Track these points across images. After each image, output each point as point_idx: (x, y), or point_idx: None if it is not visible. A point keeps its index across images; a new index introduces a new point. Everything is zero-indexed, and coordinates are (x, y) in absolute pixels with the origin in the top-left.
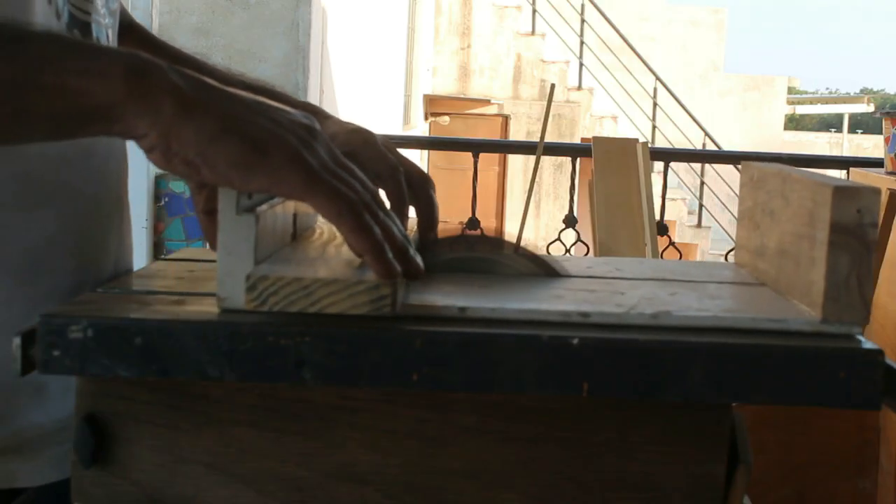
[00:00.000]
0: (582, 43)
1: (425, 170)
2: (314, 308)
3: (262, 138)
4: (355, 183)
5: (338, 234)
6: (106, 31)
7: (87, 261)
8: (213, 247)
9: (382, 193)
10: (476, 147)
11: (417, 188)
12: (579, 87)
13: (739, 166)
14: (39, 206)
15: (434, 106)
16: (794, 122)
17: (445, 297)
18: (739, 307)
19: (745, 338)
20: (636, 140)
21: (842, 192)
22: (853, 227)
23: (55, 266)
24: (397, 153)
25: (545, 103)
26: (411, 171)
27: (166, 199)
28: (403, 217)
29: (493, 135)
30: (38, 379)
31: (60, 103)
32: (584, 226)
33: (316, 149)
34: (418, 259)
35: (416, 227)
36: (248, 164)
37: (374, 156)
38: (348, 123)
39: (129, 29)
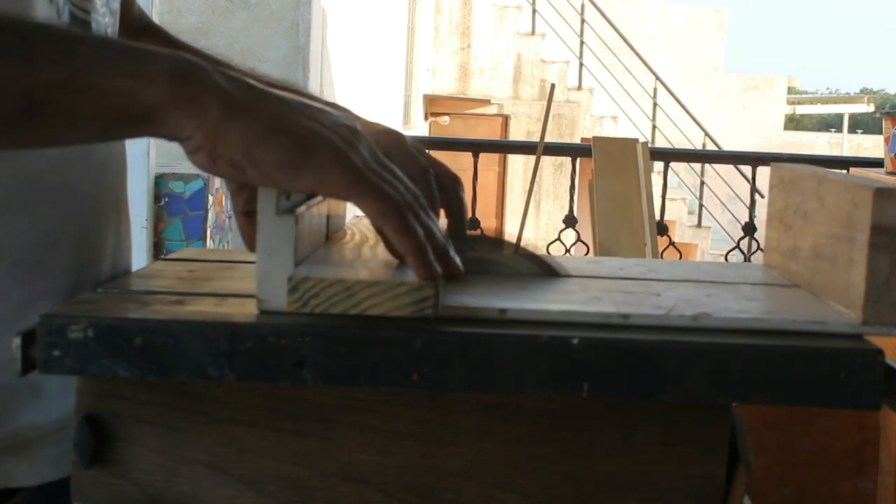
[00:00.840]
0: (582, 43)
1: None
2: (356, 310)
3: (307, 139)
4: (398, 183)
5: (370, 235)
6: (105, 31)
7: (84, 260)
8: (251, 248)
9: None
10: (476, 147)
11: (448, 189)
12: (579, 87)
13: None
14: (38, 205)
15: (434, 106)
16: (794, 122)
17: (483, 299)
18: (777, 309)
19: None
20: (636, 140)
21: (882, 194)
22: (894, 228)
23: (52, 265)
24: (427, 154)
25: (545, 103)
26: (441, 173)
27: (166, 199)
28: (434, 217)
29: (493, 135)
30: (34, 379)
31: (107, 105)
32: (584, 226)
33: (359, 149)
34: (457, 260)
35: (445, 227)
36: (295, 164)
37: (404, 157)
38: (378, 124)
39: (146, 30)
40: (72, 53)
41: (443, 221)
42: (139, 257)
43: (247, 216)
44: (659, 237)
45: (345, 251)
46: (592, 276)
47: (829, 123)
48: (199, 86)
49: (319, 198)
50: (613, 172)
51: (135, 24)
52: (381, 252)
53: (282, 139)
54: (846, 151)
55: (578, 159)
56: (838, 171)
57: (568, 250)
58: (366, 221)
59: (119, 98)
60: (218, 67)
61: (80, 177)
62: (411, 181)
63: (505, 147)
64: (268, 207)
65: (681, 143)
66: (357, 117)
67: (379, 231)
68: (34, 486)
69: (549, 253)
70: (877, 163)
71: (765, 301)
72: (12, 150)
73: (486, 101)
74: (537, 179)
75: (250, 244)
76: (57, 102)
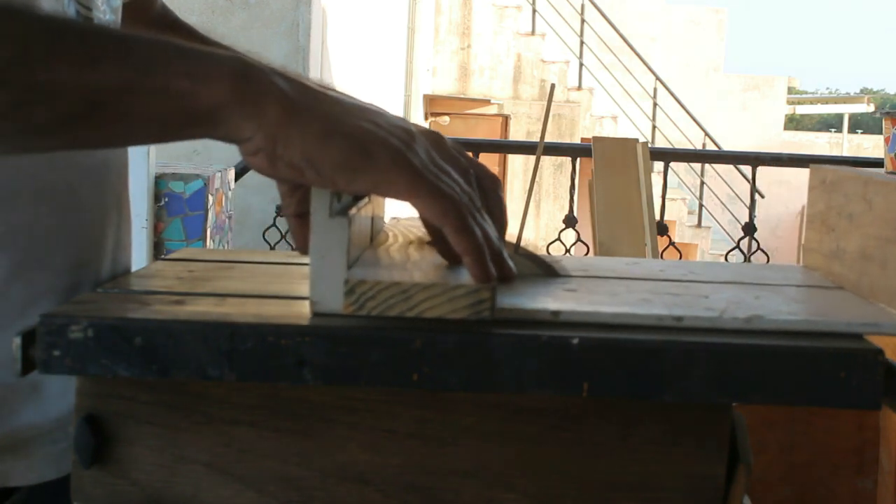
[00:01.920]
0: (582, 43)
1: None
2: (412, 312)
3: (366, 140)
4: (454, 185)
5: (411, 236)
6: (100, 25)
7: (85, 258)
8: (303, 250)
9: None
10: (476, 147)
11: (488, 190)
12: (579, 87)
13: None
14: (38, 203)
15: (434, 106)
16: (794, 122)
17: (535, 301)
18: (826, 310)
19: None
20: (636, 140)
21: None
22: None
23: (53, 263)
24: (467, 155)
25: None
26: (481, 173)
27: (166, 199)
28: None
29: (493, 135)
30: (34, 378)
31: (166, 106)
32: (584, 226)
33: (416, 150)
34: (511, 263)
35: None
36: (354, 166)
37: (445, 158)
38: (417, 125)
39: (173, 26)
40: (132, 54)
41: None
42: (139, 257)
43: (299, 218)
44: (659, 237)
45: (392, 253)
46: (634, 277)
47: (829, 123)
48: (259, 87)
49: (366, 199)
50: (613, 172)
51: (159, 20)
52: (430, 254)
53: (341, 141)
54: (846, 151)
55: (578, 159)
56: (879, 170)
57: (568, 250)
58: (404, 223)
59: (179, 99)
60: (273, 68)
61: (82, 175)
62: None
63: (505, 147)
64: (321, 209)
65: (681, 143)
66: (402, 117)
67: (432, 232)
68: (32, 485)
69: (549, 253)
70: (877, 163)
71: (813, 303)
72: (69, 150)
73: (486, 101)
74: (537, 179)
75: (302, 246)
76: (117, 103)
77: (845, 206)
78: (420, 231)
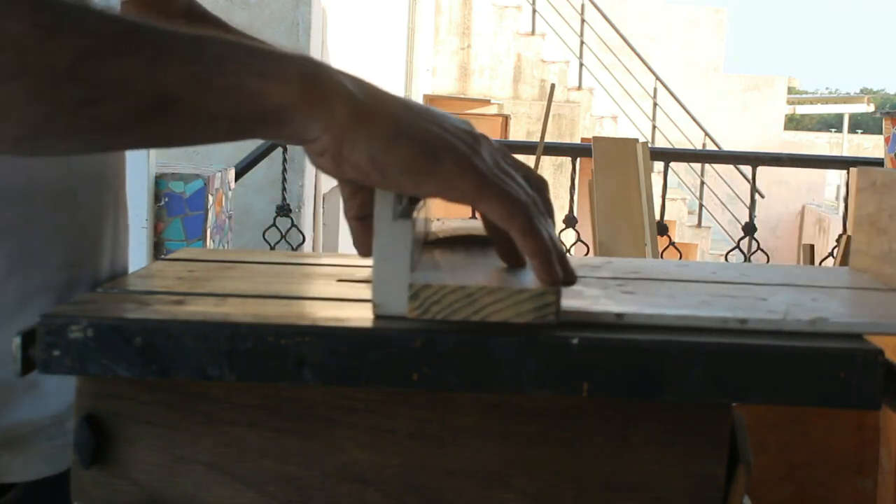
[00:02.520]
0: (582, 43)
1: None
2: (477, 316)
3: (433, 144)
4: (519, 188)
5: (462, 238)
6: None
7: (82, 256)
8: (364, 253)
9: None
10: None
11: (536, 192)
12: (579, 87)
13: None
14: (33, 200)
15: (434, 106)
16: (794, 122)
17: (598, 304)
18: (887, 312)
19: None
20: (636, 140)
21: None
22: None
23: (49, 260)
24: (511, 156)
25: (545, 103)
26: (529, 175)
27: (166, 199)
28: None
29: (493, 135)
30: (31, 374)
31: (235, 104)
32: (584, 226)
33: (482, 153)
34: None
35: None
36: (421, 169)
37: (508, 162)
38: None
39: (201, 20)
40: (203, 52)
41: None
42: (139, 257)
43: (360, 221)
44: (659, 237)
45: (451, 256)
46: (687, 279)
47: (829, 123)
48: (328, 88)
49: (422, 202)
50: (613, 172)
51: (187, 13)
52: (484, 256)
53: (408, 144)
54: (846, 151)
55: (578, 159)
56: None
57: (568, 250)
58: (451, 225)
59: (249, 97)
60: (346, 72)
61: (79, 173)
62: None
63: (505, 147)
64: (385, 212)
65: (681, 143)
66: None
67: (494, 234)
68: (29, 481)
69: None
70: (877, 163)
71: (873, 305)
72: (140, 147)
73: (486, 101)
74: None
75: (363, 249)
76: (187, 100)
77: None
78: (465, 232)
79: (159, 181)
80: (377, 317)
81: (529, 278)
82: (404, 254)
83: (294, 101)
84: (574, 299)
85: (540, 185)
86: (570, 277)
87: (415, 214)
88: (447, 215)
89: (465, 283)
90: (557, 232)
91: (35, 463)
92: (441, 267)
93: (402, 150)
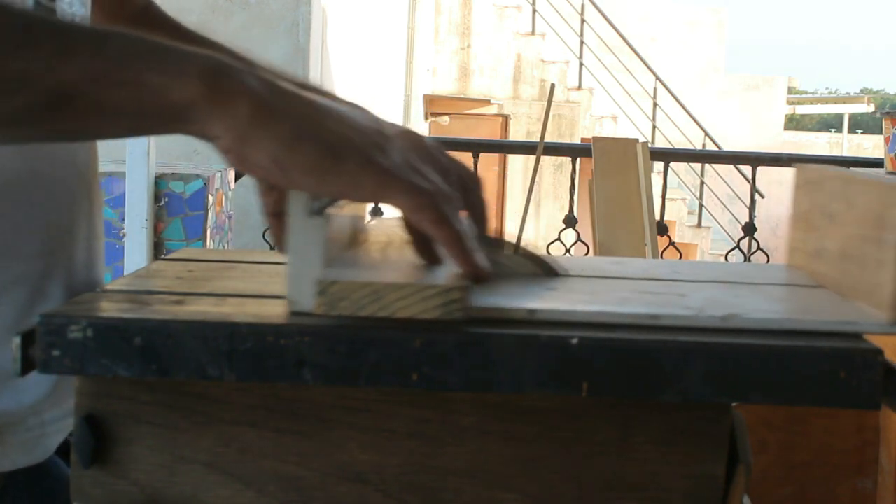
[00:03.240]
0: (582, 43)
1: None
2: (384, 312)
3: (336, 143)
4: (431, 183)
5: (393, 237)
6: (72, 20)
7: (56, 245)
8: (282, 249)
9: None
10: (476, 147)
11: (469, 190)
12: (579, 87)
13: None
14: (4, 191)
15: (434, 106)
16: (794, 122)
17: (512, 300)
18: (805, 309)
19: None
20: (636, 140)
21: None
22: None
23: (24, 250)
24: (447, 155)
25: (545, 103)
26: (463, 174)
27: (166, 199)
28: None
29: (493, 135)
30: (5, 365)
31: (137, 101)
32: (584, 226)
33: (389, 152)
34: (486, 263)
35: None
36: (323, 169)
37: (424, 159)
38: (395, 125)
39: (156, 22)
40: (105, 48)
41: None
42: (139, 257)
43: (276, 217)
44: (659, 237)
45: (371, 253)
46: (618, 277)
47: (829, 123)
48: (231, 87)
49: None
50: (613, 172)
51: (142, 15)
52: (408, 254)
53: (310, 144)
54: (846, 151)
55: (578, 159)
56: (866, 170)
57: (568, 250)
58: (388, 223)
59: (150, 94)
60: (250, 68)
61: (48, 162)
62: None
63: (505, 147)
64: (298, 209)
65: (681, 143)
66: (379, 119)
67: (410, 230)
68: (6, 472)
69: (549, 253)
70: (877, 163)
71: (792, 302)
72: (44, 141)
73: (486, 101)
74: (537, 179)
75: (281, 246)
76: (88, 95)
77: (827, 205)
78: (402, 231)
79: (159, 181)
80: (292, 313)
81: (443, 275)
82: (317, 251)
83: (196, 98)
84: (491, 296)
85: (473, 183)
86: (481, 274)
87: (332, 212)
88: None
89: (372, 279)
90: (557, 232)
91: (12, 453)
92: (360, 264)
93: (304, 150)
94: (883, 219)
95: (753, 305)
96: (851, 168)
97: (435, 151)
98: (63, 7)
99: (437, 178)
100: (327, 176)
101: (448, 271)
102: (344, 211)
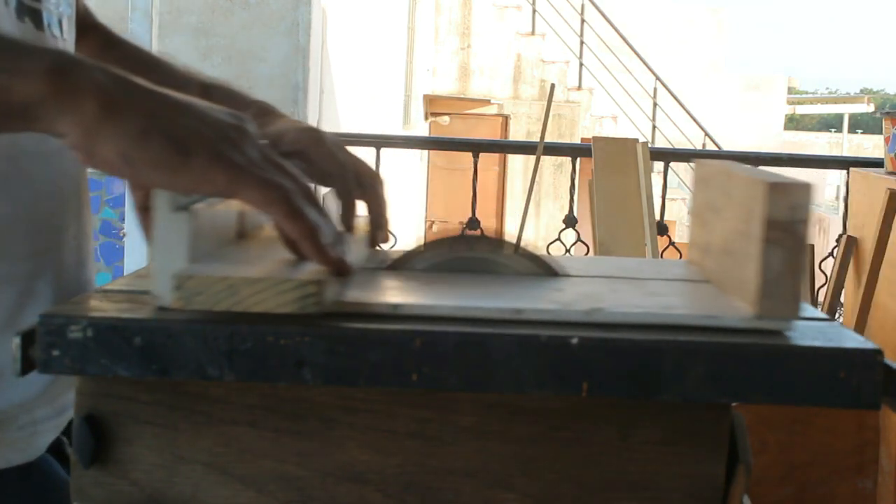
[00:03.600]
0: (582, 43)
1: (425, 170)
2: (240, 307)
3: (184, 139)
4: (285, 177)
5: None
6: (59, 19)
7: (45, 246)
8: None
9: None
10: (476, 147)
11: (367, 187)
12: (579, 87)
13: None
14: None
15: (434, 106)
16: (794, 122)
17: (378, 294)
18: (676, 304)
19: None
20: (636, 140)
21: (775, 189)
22: (786, 223)
23: (11, 250)
24: (347, 152)
25: (545, 103)
26: (360, 170)
27: None
28: (351, 214)
29: (493, 135)
30: None
31: None
32: (584, 226)
33: (242, 147)
34: (346, 258)
35: (367, 224)
36: (171, 165)
37: (322, 154)
38: (299, 122)
39: (92, 29)
40: None
41: (364, 220)
42: (139, 257)
43: (145, 212)
44: (659, 237)
45: (252, 249)
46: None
47: (829, 123)
48: (77, 83)
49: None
50: (613, 172)
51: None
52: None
53: (158, 139)
54: (846, 151)
55: (578, 159)
56: (747, 165)
57: (568, 250)
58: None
59: None
60: (103, 65)
61: (35, 163)
62: (329, 178)
63: (505, 147)
64: (163, 204)
65: (681, 143)
66: (280, 115)
67: (277, 228)
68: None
69: (549, 253)
70: (877, 163)
71: (668, 297)
72: None
73: (486, 101)
74: (537, 179)
75: (149, 240)
76: None
77: (714, 200)
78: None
79: None
80: (158, 308)
81: (305, 270)
82: (181, 246)
83: (40, 96)
84: (358, 290)
85: (371, 179)
86: (342, 268)
87: (202, 205)
88: (447, 216)
89: (228, 274)
90: (557, 232)
91: (5, 452)
92: (230, 259)
93: (151, 145)
94: (751, 213)
95: (625, 300)
96: (734, 163)
97: (334, 148)
98: (50, 7)
99: (295, 174)
100: (177, 171)
101: (315, 266)
102: (231, 205)
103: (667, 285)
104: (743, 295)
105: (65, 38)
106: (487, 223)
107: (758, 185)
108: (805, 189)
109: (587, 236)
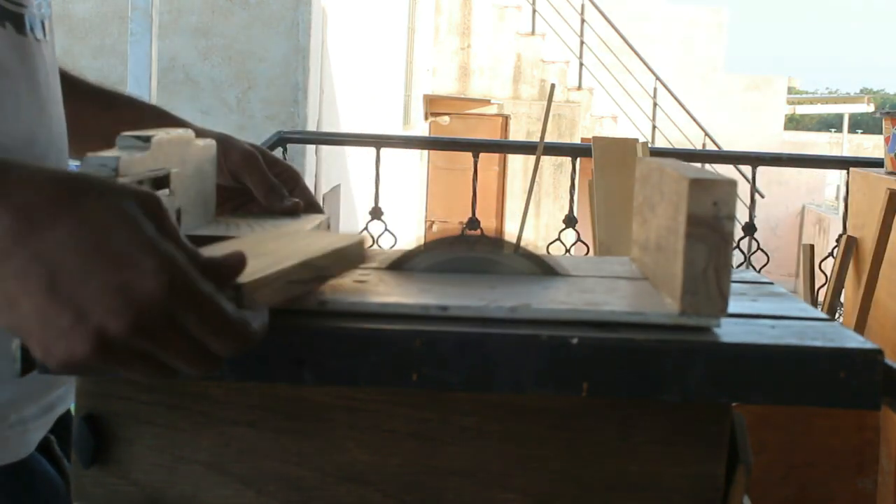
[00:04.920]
0: (582, 43)
1: (425, 170)
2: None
3: (17, 331)
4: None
5: None
6: (41, 21)
7: None
8: None
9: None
10: (476, 147)
11: (289, 182)
12: (579, 87)
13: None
14: None
15: (434, 106)
16: (794, 122)
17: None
18: (604, 301)
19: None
20: (636, 140)
21: (697, 184)
22: (709, 219)
23: None
24: (267, 153)
25: (545, 103)
26: (279, 170)
27: None
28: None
29: (493, 135)
30: None
31: None
32: (584, 226)
33: (78, 326)
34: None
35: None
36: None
37: (243, 165)
38: (235, 139)
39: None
40: None
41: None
42: None
43: None
44: None
45: (245, 242)
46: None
47: (829, 123)
48: None
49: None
50: (613, 172)
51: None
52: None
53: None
54: (846, 151)
55: (578, 159)
56: (679, 162)
57: (568, 250)
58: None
59: None
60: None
61: (16, 154)
62: (260, 186)
63: (505, 147)
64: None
65: (681, 143)
66: (232, 144)
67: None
68: None
69: (548, 253)
70: (877, 163)
71: (599, 294)
72: None
73: (486, 101)
74: (537, 179)
75: None
76: None
77: (651, 197)
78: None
79: None
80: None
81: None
82: None
83: None
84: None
85: (297, 177)
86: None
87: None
88: (447, 216)
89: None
90: (557, 232)
91: None
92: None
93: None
94: (678, 209)
95: (553, 297)
96: (672, 160)
97: (269, 156)
98: (33, 10)
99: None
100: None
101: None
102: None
103: (602, 282)
104: (671, 291)
105: (47, 40)
106: (487, 223)
107: (682, 182)
108: (729, 185)
109: (587, 236)
